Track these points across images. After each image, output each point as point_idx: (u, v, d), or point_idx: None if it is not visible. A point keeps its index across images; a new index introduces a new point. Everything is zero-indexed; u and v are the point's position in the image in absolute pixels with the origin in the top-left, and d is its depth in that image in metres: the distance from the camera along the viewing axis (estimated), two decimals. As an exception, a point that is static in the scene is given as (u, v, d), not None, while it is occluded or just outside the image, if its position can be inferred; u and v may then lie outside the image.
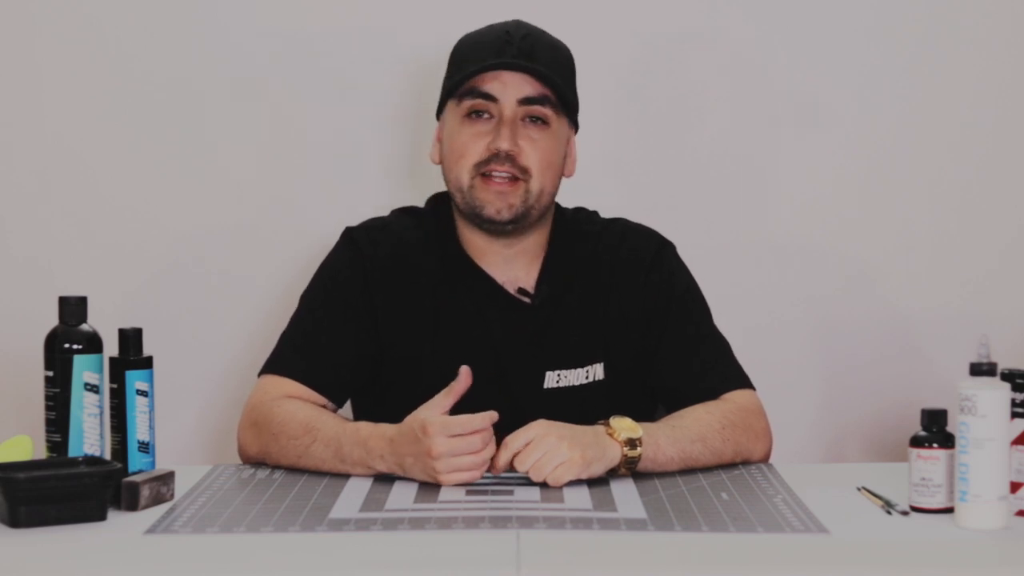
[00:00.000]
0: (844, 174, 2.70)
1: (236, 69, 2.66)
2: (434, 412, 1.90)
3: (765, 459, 2.09)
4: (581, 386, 2.13)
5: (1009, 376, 1.71)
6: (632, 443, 1.93)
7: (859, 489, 1.86)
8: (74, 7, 2.65)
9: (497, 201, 2.10)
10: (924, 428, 1.77)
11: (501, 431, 1.90)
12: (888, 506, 1.77)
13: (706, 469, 2.01)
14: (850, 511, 1.77)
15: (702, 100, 2.69)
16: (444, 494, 1.85)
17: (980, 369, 1.69)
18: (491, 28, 2.16)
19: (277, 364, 2.13)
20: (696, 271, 2.26)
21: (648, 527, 1.69)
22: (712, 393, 2.11)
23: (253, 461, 2.09)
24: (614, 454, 1.92)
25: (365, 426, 1.97)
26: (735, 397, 2.12)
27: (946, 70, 2.68)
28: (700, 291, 2.23)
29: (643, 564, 1.58)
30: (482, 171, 2.10)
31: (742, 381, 2.15)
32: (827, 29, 2.68)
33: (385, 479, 1.93)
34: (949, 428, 1.76)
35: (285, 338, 2.17)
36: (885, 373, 2.69)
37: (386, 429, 1.93)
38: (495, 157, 2.09)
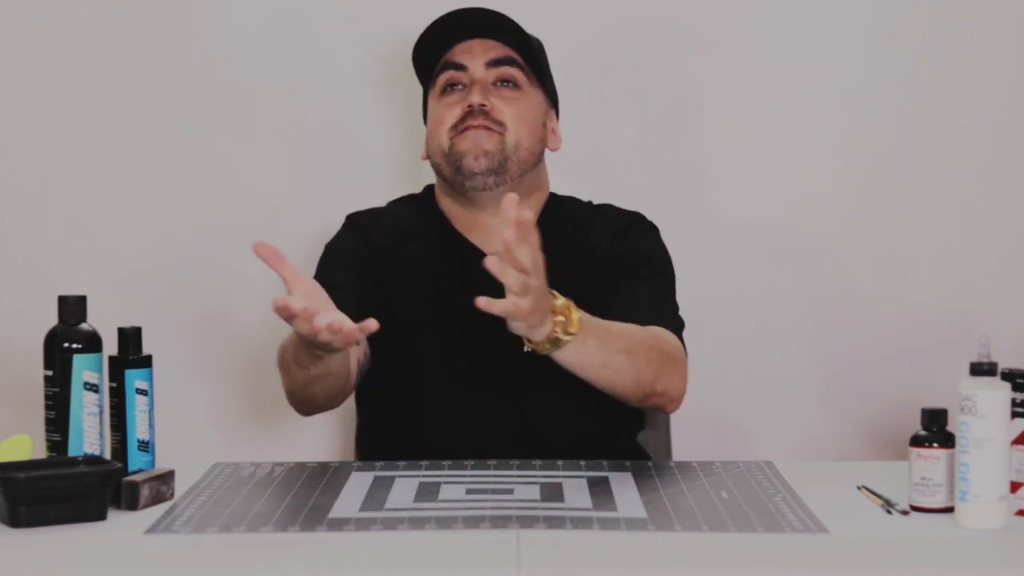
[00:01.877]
0: (844, 175, 2.70)
1: (235, 68, 2.66)
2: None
3: (678, 400, 2.09)
4: None
5: (1009, 376, 1.71)
6: (564, 332, 1.92)
7: (859, 488, 1.86)
8: (73, 7, 2.65)
9: (474, 148, 2.14)
10: (924, 428, 1.77)
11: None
12: (888, 506, 1.77)
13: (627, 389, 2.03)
14: (850, 511, 1.77)
15: (701, 100, 2.69)
16: (444, 493, 1.85)
17: (980, 369, 1.69)
18: (450, 13, 2.21)
19: None
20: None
21: (648, 527, 1.69)
22: (642, 321, 2.10)
23: (298, 409, 2.13)
24: (543, 331, 1.91)
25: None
26: (667, 335, 2.11)
27: (946, 71, 2.68)
28: (670, 263, 2.24)
29: (643, 564, 1.58)
30: (459, 128, 2.16)
31: (679, 330, 2.15)
32: (826, 29, 2.68)
33: (384, 479, 1.93)
34: (949, 428, 1.76)
35: None
36: (885, 373, 2.70)
37: None
38: (469, 114, 2.15)
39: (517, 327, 1.89)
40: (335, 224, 2.29)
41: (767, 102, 2.68)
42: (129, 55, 2.66)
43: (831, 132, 2.69)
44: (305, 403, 2.11)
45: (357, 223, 2.26)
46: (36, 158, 2.67)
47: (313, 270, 2.25)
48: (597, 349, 1.98)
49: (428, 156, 2.22)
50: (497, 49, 2.18)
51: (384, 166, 2.68)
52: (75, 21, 2.65)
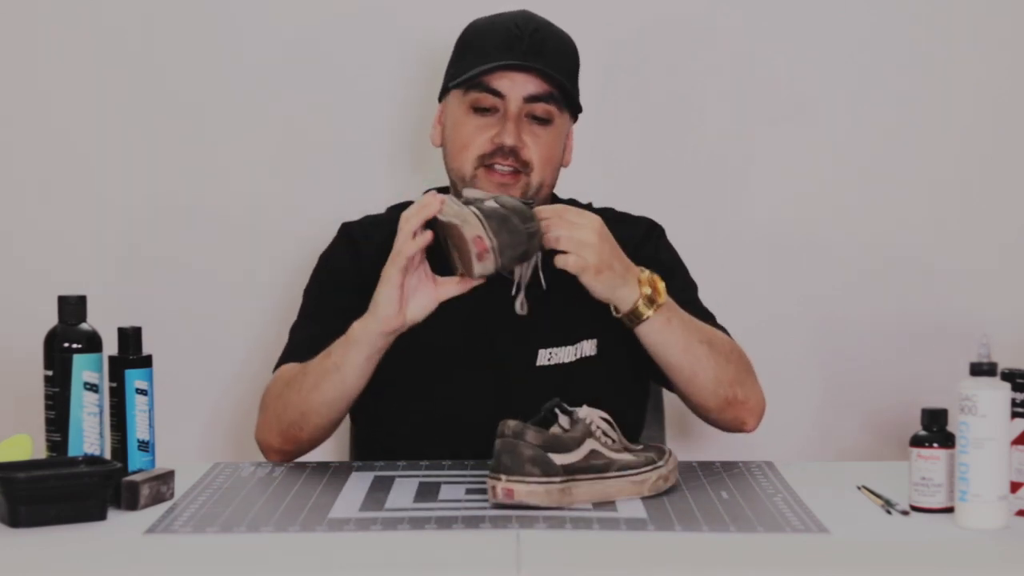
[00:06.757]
0: (845, 173, 2.70)
1: (236, 67, 2.66)
2: None
3: (759, 414, 2.12)
4: (571, 363, 2.15)
5: (1009, 376, 1.71)
6: (650, 300, 1.97)
7: (859, 488, 1.86)
8: (74, 7, 2.65)
9: (498, 192, 2.11)
10: (924, 428, 1.77)
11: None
12: (888, 506, 1.77)
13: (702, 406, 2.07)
14: (850, 511, 1.77)
15: (702, 96, 2.69)
16: (444, 493, 1.85)
17: (980, 369, 1.69)
18: (499, 18, 2.18)
19: (285, 355, 2.17)
20: (696, 269, 2.26)
21: (648, 527, 1.69)
22: None
23: (278, 450, 2.10)
24: (630, 293, 1.97)
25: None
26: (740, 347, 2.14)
27: (947, 70, 2.68)
28: (686, 269, 2.25)
29: (643, 564, 1.58)
30: (485, 163, 2.13)
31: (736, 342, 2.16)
32: (828, 25, 2.68)
33: (384, 479, 1.93)
34: (949, 428, 1.76)
35: (292, 331, 2.21)
36: (885, 373, 2.70)
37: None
38: (499, 151, 2.12)
39: (599, 290, 1.95)
40: (335, 222, 2.29)
41: (768, 99, 2.68)
42: (129, 55, 2.65)
43: (832, 131, 2.69)
44: (299, 424, 2.05)
45: (349, 234, 2.25)
46: (36, 158, 2.67)
47: (309, 272, 2.25)
48: (682, 331, 2.01)
49: (440, 147, 2.20)
50: (537, 84, 2.12)
51: (385, 164, 2.68)
52: (75, 21, 2.65)
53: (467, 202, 1.92)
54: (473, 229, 1.89)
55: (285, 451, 2.10)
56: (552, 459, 1.77)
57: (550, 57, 2.13)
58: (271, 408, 2.09)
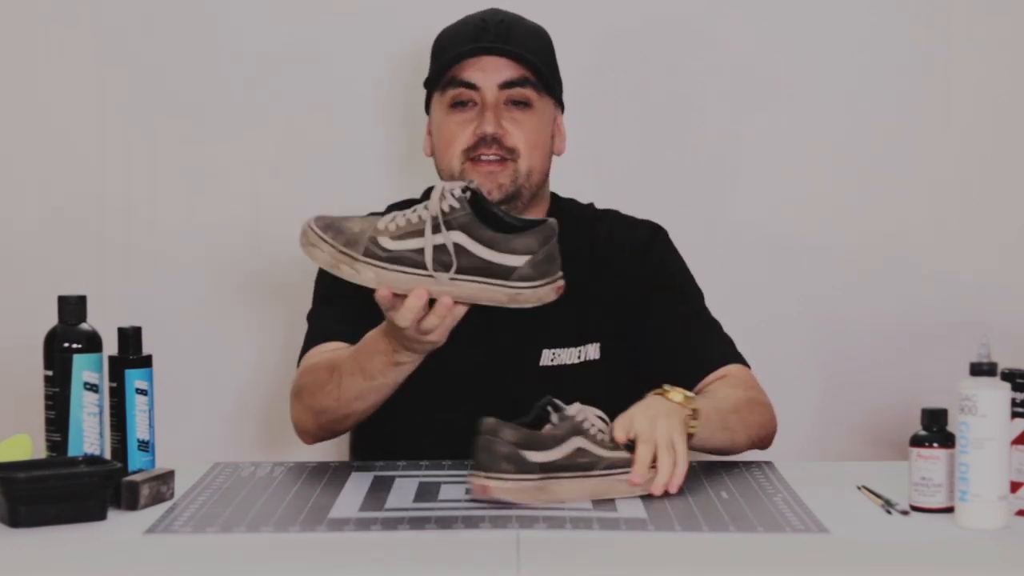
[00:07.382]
0: (845, 173, 2.70)
1: (234, 68, 2.66)
2: None
3: (774, 434, 2.12)
4: (574, 365, 2.15)
5: (1009, 376, 1.71)
6: (693, 413, 1.93)
7: (859, 488, 1.86)
8: (74, 7, 2.65)
9: (487, 182, 2.12)
10: (924, 427, 1.77)
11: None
12: (888, 506, 1.77)
13: (716, 456, 2.03)
14: (850, 511, 1.77)
15: (702, 96, 2.69)
16: (444, 493, 1.85)
17: (980, 369, 1.69)
18: (467, 18, 2.20)
19: (309, 341, 2.16)
20: (696, 270, 2.26)
21: (648, 527, 1.69)
22: (712, 365, 2.13)
23: (315, 435, 2.10)
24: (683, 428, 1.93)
25: (368, 336, 1.97)
26: (737, 372, 2.14)
27: (947, 70, 2.68)
28: (692, 275, 2.25)
29: (643, 564, 1.58)
30: (471, 156, 2.14)
31: (739, 357, 2.17)
32: (828, 25, 2.68)
33: (384, 479, 1.93)
34: (949, 428, 1.76)
35: (309, 317, 2.21)
36: (885, 372, 2.69)
37: (380, 327, 1.93)
38: (482, 141, 2.13)
39: None
40: (335, 224, 2.29)
41: (768, 101, 2.68)
42: (129, 55, 2.65)
43: (832, 131, 2.69)
44: (339, 421, 2.06)
45: None
46: (36, 158, 2.67)
47: (311, 271, 2.25)
48: (716, 416, 1.98)
49: (435, 165, 2.20)
50: (510, 69, 2.14)
51: (384, 164, 2.68)
52: (75, 21, 2.65)
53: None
54: (545, 292, 1.84)
55: (321, 437, 2.11)
56: (527, 456, 1.78)
57: (519, 42, 2.15)
58: (306, 402, 2.07)
